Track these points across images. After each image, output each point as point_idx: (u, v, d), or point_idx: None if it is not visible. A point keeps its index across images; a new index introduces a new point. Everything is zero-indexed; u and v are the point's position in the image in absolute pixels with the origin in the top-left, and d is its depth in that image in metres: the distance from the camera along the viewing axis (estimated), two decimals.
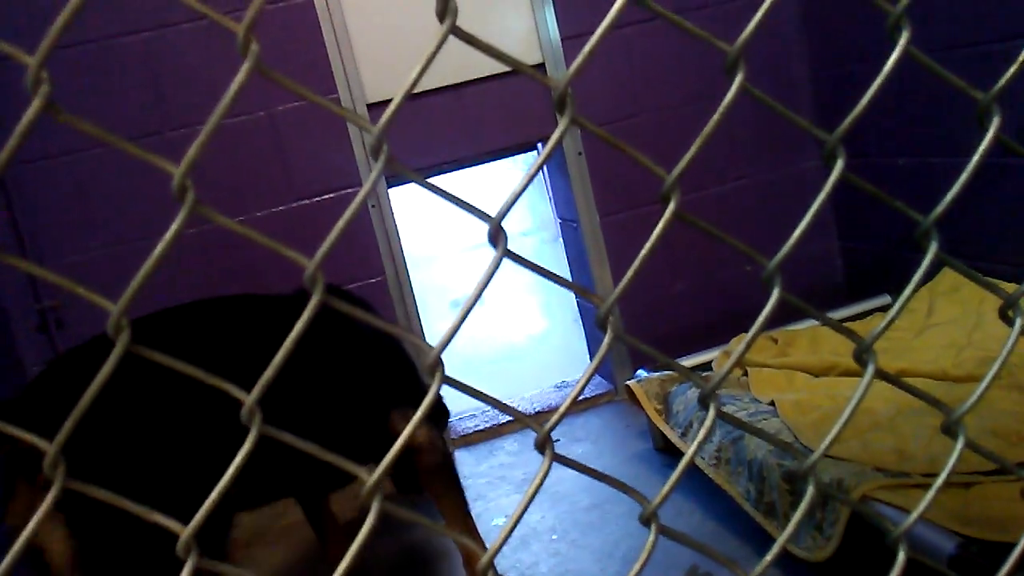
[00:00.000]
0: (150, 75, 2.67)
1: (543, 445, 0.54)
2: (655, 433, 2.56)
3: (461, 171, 3.10)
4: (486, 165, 3.15)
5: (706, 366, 2.67)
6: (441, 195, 0.52)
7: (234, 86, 0.44)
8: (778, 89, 3.13)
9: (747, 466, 2.00)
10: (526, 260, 0.55)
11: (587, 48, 0.48)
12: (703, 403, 0.53)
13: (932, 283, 2.61)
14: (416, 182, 0.50)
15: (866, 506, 1.66)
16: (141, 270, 0.47)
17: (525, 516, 2.37)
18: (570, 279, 3.32)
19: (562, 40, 2.92)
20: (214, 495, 0.47)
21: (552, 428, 0.55)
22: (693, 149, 0.49)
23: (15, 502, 1.30)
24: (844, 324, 2.34)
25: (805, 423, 2.06)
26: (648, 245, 0.48)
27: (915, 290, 0.54)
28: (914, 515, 0.52)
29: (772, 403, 2.22)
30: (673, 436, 2.36)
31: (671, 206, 0.49)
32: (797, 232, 0.51)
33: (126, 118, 2.67)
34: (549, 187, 3.38)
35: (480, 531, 2.39)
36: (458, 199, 0.52)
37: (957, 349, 2.27)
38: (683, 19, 0.54)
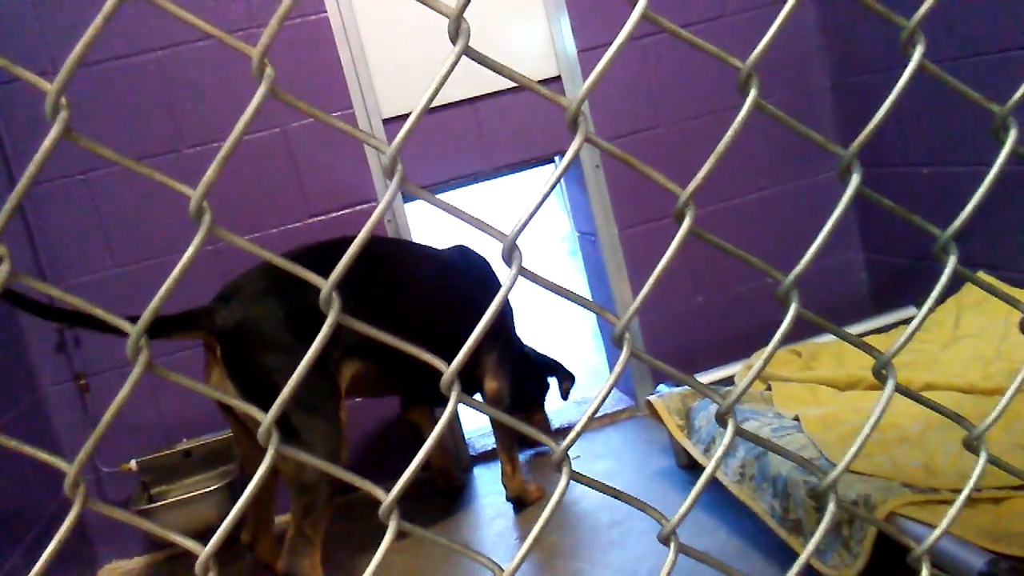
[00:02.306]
0: (165, 93, 2.71)
1: (560, 463, 0.54)
2: (678, 450, 2.53)
3: (479, 184, 3.11)
4: (505, 178, 3.16)
5: (728, 380, 2.64)
6: (455, 214, 0.52)
7: (249, 110, 0.45)
8: (798, 99, 3.11)
9: (772, 482, 1.97)
10: (541, 278, 0.55)
11: (600, 67, 0.48)
12: (720, 421, 0.53)
13: (959, 295, 2.58)
14: (430, 202, 0.50)
15: (889, 524, 1.63)
16: (159, 292, 0.47)
17: (546, 535, 2.36)
18: (588, 293, 3.32)
19: (578, 52, 2.93)
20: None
21: (569, 446, 0.55)
22: (707, 166, 0.49)
23: (209, 369, 2.06)
24: (869, 336, 2.30)
25: (831, 438, 2.04)
26: (662, 264, 0.48)
27: (936, 304, 0.53)
28: (936, 533, 0.51)
29: (796, 418, 2.20)
30: (695, 452, 2.34)
31: (685, 223, 0.49)
32: (812, 249, 0.50)
33: (142, 136, 2.70)
34: (567, 200, 3.38)
35: (500, 551, 2.38)
36: (472, 217, 0.52)
37: (985, 362, 2.24)
38: (697, 31, 0.54)
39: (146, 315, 0.46)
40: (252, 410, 0.50)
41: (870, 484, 1.76)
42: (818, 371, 2.47)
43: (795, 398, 2.36)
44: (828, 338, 2.69)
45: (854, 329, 2.77)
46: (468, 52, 0.47)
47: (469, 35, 0.46)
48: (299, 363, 0.48)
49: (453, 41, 0.46)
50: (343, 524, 2.72)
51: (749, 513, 2.06)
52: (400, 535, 0.50)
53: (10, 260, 0.44)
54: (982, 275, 2.57)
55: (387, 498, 0.49)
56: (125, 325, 0.46)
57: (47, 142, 0.43)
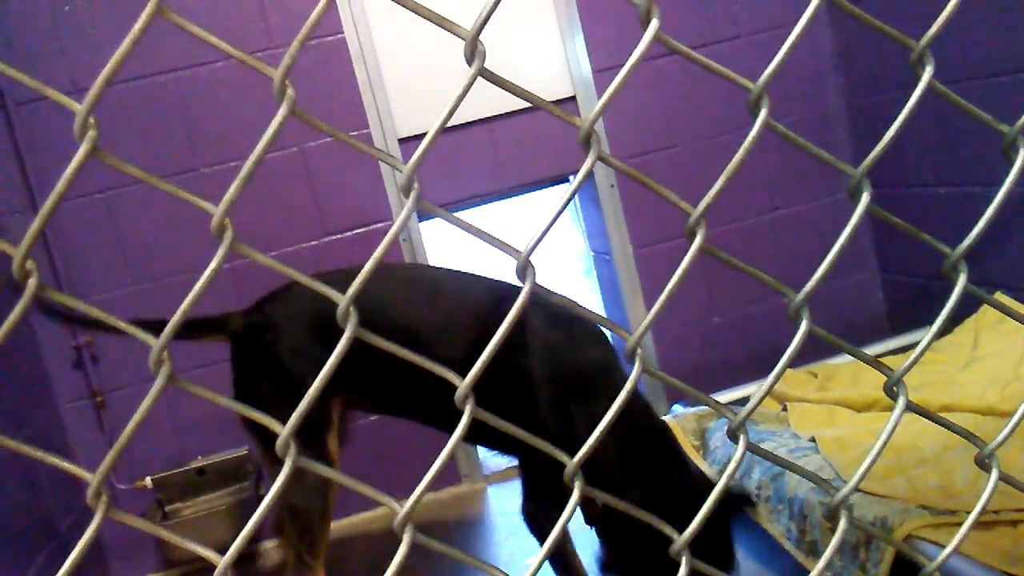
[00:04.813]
0: (183, 113, 2.75)
1: (571, 478, 0.55)
2: None
3: (493, 203, 3.13)
4: (520, 197, 3.18)
5: (744, 400, 2.63)
6: (471, 232, 0.53)
7: (271, 130, 0.46)
8: (813, 119, 3.11)
9: (788, 504, 1.96)
10: (555, 294, 0.56)
11: (612, 88, 0.49)
12: (732, 436, 0.53)
13: (976, 315, 2.56)
14: (446, 219, 0.51)
15: (906, 544, 1.62)
16: (181, 306, 0.49)
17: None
18: (603, 312, 3.31)
19: (593, 73, 2.95)
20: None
21: (582, 461, 0.56)
22: (718, 185, 0.50)
23: None
24: (886, 357, 2.27)
25: (848, 460, 2.02)
26: (674, 280, 0.48)
27: (949, 323, 0.54)
28: (947, 550, 0.51)
29: (813, 439, 2.18)
30: (711, 473, 2.33)
31: (697, 240, 0.50)
32: (823, 267, 0.51)
33: (161, 156, 2.74)
34: (581, 219, 3.39)
35: (511, 571, 2.37)
36: (487, 235, 0.53)
37: (1003, 383, 2.22)
38: (713, 51, 0.54)
39: (168, 329, 0.47)
40: (271, 423, 0.51)
41: (887, 506, 1.74)
42: (834, 392, 2.45)
43: (811, 419, 2.34)
44: (844, 359, 2.68)
45: (871, 350, 2.75)
46: (484, 73, 0.48)
47: (485, 57, 0.47)
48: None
49: (469, 63, 0.47)
50: (354, 546, 2.72)
51: (765, 535, 2.04)
52: (413, 553, 0.51)
53: (38, 274, 0.46)
54: (1000, 296, 2.55)
55: (401, 511, 0.49)
56: (148, 338, 0.48)
57: (76, 160, 0.44)
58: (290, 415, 0.49)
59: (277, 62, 0.46)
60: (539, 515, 1.91)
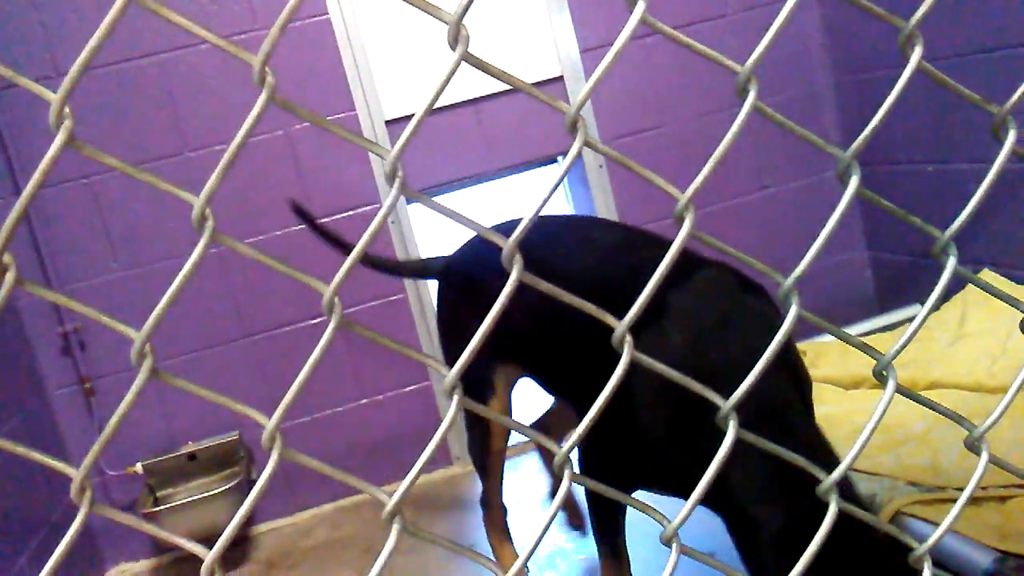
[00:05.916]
0: (168, 97, 2.71)
1: (561, 467, 0.54)
2: None
3: (483, 184, 3.11)
4: (509, 178, 3.16)
5: None
6: (455, 219, 0.53)
7: (250, 119, 0.45)
8: (801, 98, 3.11)
9: None
10: (541, 281, 0.55)
11: (598, 72, 0.48)
12: (722, 424, 0.53)
13: (964, 292, 2.57)
14: (430, 207, 0.50)
15: (895, 523, 1.63)
16: (163, 299, 0.48)
17: (554, 536, 2.36)
18: None
19: (580, 52, 2.93)
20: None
21: (571, 449, 0.55)
22: (706, 170, 0.49)
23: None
24: (875, 335, 2.28)
25: (837, 438, 2.03)
26: (661, 268, 0.48)
27: (935, 306, 0.53)
28: (936, 534, 0.51)
29: None
30: None
31: (685, 226, 0.49)
32: (811, 252, 0.50)
33: (146, 140, 2.71)
34: (571, 200, 3.39)
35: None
36: (472, 222, 0.52)
37: (991, 359, 2.23)
38: (701, 30, 0.54)
39: (150, 322, 0.47)
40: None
41: (876, 483, 1.76)
42: (823, 370, 2.46)
43: None
44: (833, 337, 2.69)
45: (859, 328, 2.76)
46: (467, 58, 0.47)
47: (468, 41, 0.46)
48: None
49: (452, 47, 0.46)
50: (351, 527, 2.73)
51: None
52: (408, 534, 0.51)
53: (16, 268, 0.45)
54: (988, 273, 2.57)
55: (390, 503, 0.49)
56: (130, 332, 0.47)
57: (51, 152, 0.43)
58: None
59: (261, 43, 0.45)
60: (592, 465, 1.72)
